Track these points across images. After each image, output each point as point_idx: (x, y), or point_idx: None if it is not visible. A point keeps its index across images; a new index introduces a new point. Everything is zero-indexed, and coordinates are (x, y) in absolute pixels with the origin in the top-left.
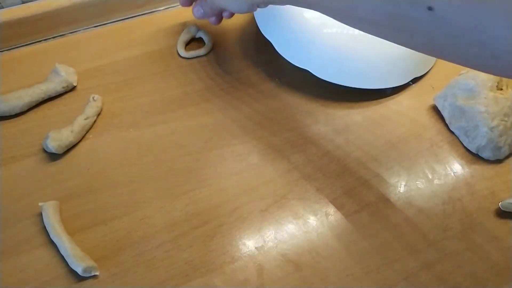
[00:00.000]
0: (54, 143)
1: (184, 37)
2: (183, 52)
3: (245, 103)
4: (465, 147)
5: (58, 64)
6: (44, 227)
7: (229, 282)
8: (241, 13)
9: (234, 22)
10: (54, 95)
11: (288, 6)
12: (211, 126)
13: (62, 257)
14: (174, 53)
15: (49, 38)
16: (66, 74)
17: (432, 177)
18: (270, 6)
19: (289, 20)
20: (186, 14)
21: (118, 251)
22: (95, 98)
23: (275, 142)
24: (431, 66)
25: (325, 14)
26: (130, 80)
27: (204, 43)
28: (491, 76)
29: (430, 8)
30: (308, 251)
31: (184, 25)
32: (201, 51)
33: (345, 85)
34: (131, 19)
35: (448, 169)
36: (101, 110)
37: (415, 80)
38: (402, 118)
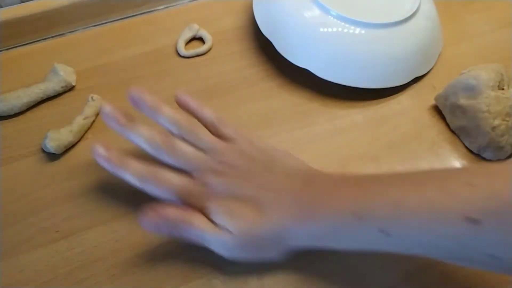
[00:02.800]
0: (53, 143)
1: (185, 36)
2: (183, 51)
3: (245, 102)
4: (466, 147)
5: (57, 63)
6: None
7: (229, 283)
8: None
9: (234, 22)
10: (53, 95)
11: (288, 5)
12: None
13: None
14: (174, 52)
15: (48, 38)
16: (65, 74)
17: None
18: (270, 4)
19: (289, 20)
20: (186, 13)
21: (118, 251)
22: (94, 98)
23: (275, 142)
24: (432, 66)
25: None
26: (130, 80)
27: (204, 43)
28: (493, 76)
29: (494, 257)
30: (308, 252)
31: (184, 24)
32: (201, 50)
33: (345, 84)
34: (130, 18)
35: None
36: (100, 110)
37: (416, 80)
38: (403, 118)
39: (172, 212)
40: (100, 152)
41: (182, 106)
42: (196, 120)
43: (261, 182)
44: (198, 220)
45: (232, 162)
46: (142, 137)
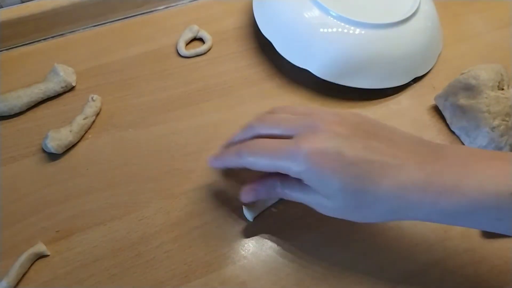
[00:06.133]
0: (53, 142)
1: (185, 36)
2: (183, 51)
3: (245, 102)
4: None
5: (57, 64)
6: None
7: (228, 283)
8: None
9: (234, 22)
10: (53, 95)
11: (288, 5)
12: (211, 126)
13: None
14: (174, 52)
15: (48, 38)
16: (65, 74)
17: None
18: (270, 4)
19: (289, 20)
20: (186, 13)
21: (118, 251)
22: (94, 98)
23: None
24: (432, 66)
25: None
26: (130, 80)
27: (204, 43)
28: (493, 76)
29: None
30: (308, 251)
31: (184, 24)
32: (201, 49)
33: (345, 85)
34: (130, 18)
35: None
36: (100, 110)
37: (416, 80)
38: (402, 118)
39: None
40: (210, 158)
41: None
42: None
43: (378, 145)
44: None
45: (340, 121)
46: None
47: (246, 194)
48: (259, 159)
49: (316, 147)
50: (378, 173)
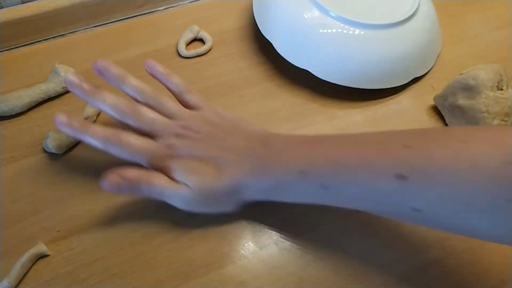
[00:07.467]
0: (54, 142)
1: (186, 37)
2: (183, 51)
3: (245, 103)
4: None
5: (58, 64)
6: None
7: (229, 283)
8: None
9: (234, 22)
10: (54, 95)
11: (288, 6)
12: None
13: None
14: (174, 53)
15: (49, 38)
16: (66, 75)
17: None
18: (270, 5)
19: (289, 21)
20: (187, 14)
21: (118, 251)
22: None
23: None
24: (431, 66)
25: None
26: None
27: (204, 44)
28: (492, 76)
29: (416, 210)
30: (308, 252)
31: (184, 25)
32: (201, 50)
33: (345, 85)
34: (131, 19)
35: None
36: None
37: (415, 80)
38: (402, 118)
39: (133, 173)
40: (62, 119)
41: (151, 73)
42: (161, 90)
43: (222, 144)
44: (158, 179)
45: (196, 127)
46: (107, 103)
47: (108, 183)
48: (127, 155)
49: (182, 159)
50: (219, 168)
